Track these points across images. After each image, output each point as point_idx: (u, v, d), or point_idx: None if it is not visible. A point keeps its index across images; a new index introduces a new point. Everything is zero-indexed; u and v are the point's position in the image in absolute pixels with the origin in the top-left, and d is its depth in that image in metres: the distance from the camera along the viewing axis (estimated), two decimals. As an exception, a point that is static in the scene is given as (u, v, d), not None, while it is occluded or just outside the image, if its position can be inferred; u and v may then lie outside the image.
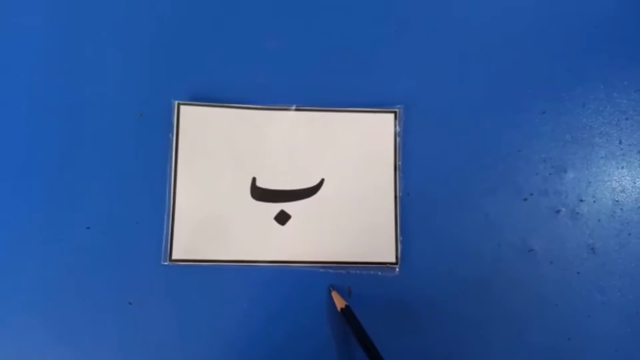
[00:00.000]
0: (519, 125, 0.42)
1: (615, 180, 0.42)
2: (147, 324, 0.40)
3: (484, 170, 0.42)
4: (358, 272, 0.41)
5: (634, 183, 0.42)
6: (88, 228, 0.40)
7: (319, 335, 0.40)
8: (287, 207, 0.41)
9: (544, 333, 0.41)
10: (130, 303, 0.40)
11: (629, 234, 0.42)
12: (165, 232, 0.40)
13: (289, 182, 0.41)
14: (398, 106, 0.42)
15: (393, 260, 0.40)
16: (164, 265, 0.40)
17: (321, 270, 0.40)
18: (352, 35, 0.43)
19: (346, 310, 0.38)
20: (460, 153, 0.42)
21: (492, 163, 0.42)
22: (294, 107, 0.42)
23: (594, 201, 0.42)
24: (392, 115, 0.42)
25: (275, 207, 0.41)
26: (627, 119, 0.43)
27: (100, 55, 0.42)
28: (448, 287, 0.41)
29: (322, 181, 0.41)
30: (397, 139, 0.42)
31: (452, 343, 0.40)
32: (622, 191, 0.42)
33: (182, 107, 0.41)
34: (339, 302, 0.39)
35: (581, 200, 0.42)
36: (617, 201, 0.42)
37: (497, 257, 0.41)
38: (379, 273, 0.40)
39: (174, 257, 0.40)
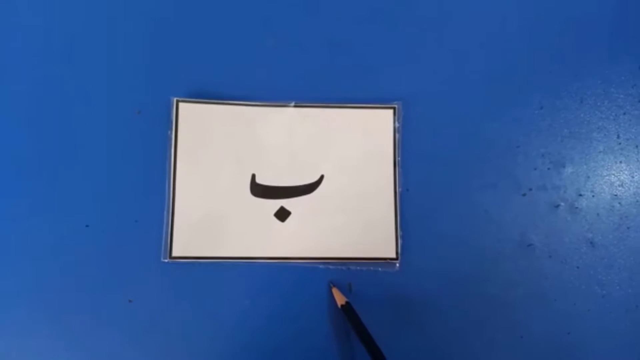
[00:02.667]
0: (517, 121, 0.43)
1: (614, 174, 0.42)
2: (147, 322, 0.39)
3: (483, 165, 0.42)
4: (358, 268, 0.41)
5: (632, 177, 0.42)
6: (87, 226, 0.40)
7: (319, 331, 0.40)
8: (287, 203, 0.41)
9: (544, 327, 0.41)
10: (130, 301, 0.40)
11: (628, 228, 0.42)
12: (165, 229, 0.40)
13: (288, 178, 0.41)
14: (397, 102, 0.42)
15: (393, 255, 0.40)
16: (164, 262, 0.40)
17: (321, 266, 0.40)
18: (350, 31, 0.43)
19: (346, 307, 0.38)
20: (459, 148, 0.42)
21: (490, 158, 0.42)
22: (293, 104, 0.42)
23: (593, 195, 0.42)
24: (391, 111, 0.42)
25: (275, 204, 0.41)
26: (624, 113, 0.43)
27: (98, 53, 0.42)
28: (448, 282, 0.41)
29: (321, 177, 0.41)
30: (396, 134, 0.42)
31: (452, 337, 0.40)
32: (621, 185, 0.42)
33: (180, 104, 0.41)
34: (340, 299, 0.39)
35: (580, 195, 0.42)
36: (615, 195, 0.42)
37: (496, 252, 0.41)
38: (379, 269, 0.40)
39: (174, 254, 0.40)
